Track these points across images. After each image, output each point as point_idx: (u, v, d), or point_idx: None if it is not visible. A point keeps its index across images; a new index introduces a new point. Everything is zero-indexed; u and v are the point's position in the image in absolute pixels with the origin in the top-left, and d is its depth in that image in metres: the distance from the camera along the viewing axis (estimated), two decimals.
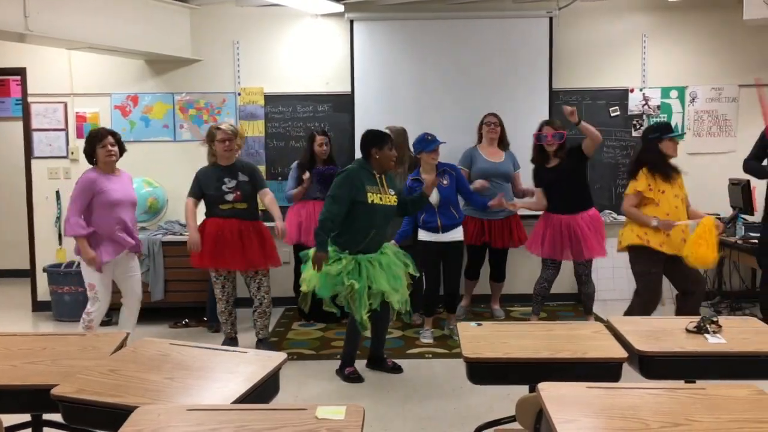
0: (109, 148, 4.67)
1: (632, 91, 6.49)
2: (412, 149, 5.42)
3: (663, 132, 4.70)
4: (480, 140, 5.89)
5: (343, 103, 6.42)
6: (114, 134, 4.77)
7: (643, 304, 4.74)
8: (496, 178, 5.71)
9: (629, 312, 4.76)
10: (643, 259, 4.69)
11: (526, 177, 5.75)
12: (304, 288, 4.46)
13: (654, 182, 4.63)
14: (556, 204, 5.32)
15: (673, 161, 4.74)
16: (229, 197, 4.93)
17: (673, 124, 6.47)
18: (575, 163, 5.25)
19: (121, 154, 4.80)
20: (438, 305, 5.63)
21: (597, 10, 6.45)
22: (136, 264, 4.96)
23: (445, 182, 5.12)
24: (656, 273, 4.71)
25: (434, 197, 5.04)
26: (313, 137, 5.84)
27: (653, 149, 4.69)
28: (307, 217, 5.74)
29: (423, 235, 5.25)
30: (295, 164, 5.93)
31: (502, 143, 5.90)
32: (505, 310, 6.25)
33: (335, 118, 6.43)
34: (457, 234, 5.25)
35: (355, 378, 4.64)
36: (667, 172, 4.64)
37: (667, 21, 6.45)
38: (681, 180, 4.73)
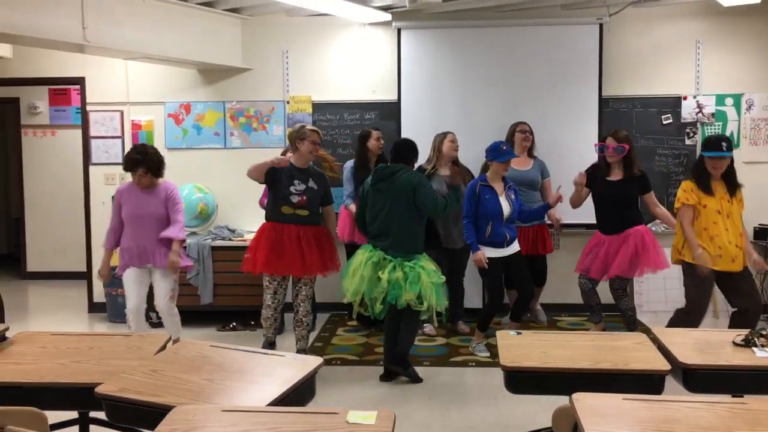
0: (138, 178, 4.80)
1: (685, 98, 6.34)
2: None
3: (704, 148, 4.63)
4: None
5: (390, 111, 6.46)
6: (143, 164, 4.76)
7: (684, 314, 4.69)
8: (522, 185, 5.62)
9: (671, 323, 4.71)
10: (689, 272, 4.68)
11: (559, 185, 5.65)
12: (424, 306, 4.58)
13: (695, 195, 4.60)
14: (606, 222, 5.22)
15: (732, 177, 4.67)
16: (294, 199, 4.78)
17: (728, 132, 6.31)
18: (635, 188, 5.17)
19: (157, 175, 4.86)
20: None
21: (649, 16, 6.32)
22: (167, 279, 4.90)
23: (513, 196, 5.10)
24: (699, 287, 4.64)
25: (507, 209, 5.03)
26: (368, 134, 5.79)
27: (698, 162, 4.72)
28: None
29: (487, 252, 5.05)
30: (350, 165, 5.86)
31: (531, 152, 5.85)
32: (552, 320, 6.18)
33: (382, 125, 6.42)
34: (516, 246, 5.16)
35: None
36: (706, 186, 4.57)
37: (723, 27, 6.29)
38: (728, 196, 4.59)
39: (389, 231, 4.65)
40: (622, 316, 5.42)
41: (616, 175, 5.19)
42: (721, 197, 4.59)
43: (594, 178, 5.24)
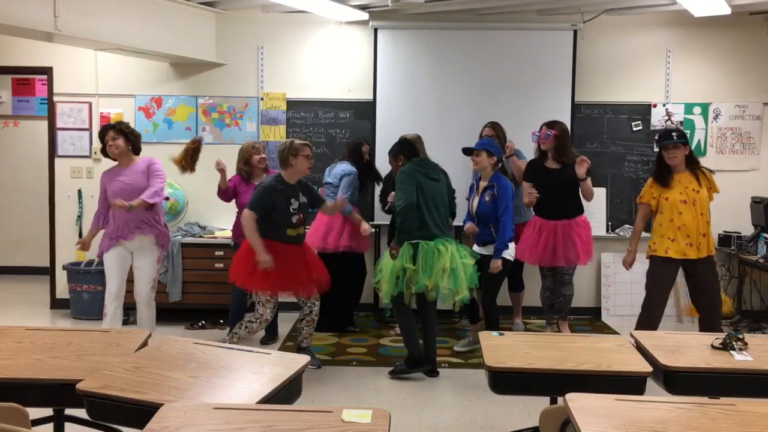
0: (110, 142, 4.76)
1: (655, 106, 6.46)
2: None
3: (657, 142, 4.86)
4: None
5: (365, 111, 6.43)
6: (114, 127, 4.80)
7: (644, 306, 4.86)
8: None
9: (637, 324, 4.88)
10: (651, 263, 4.89)
11: None
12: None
13: (656, 191, 4.80)
14: (545, 207, 5.29)
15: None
16: (294, 219, 4.66)
17: (695, 140, 6.45)
18: (572, 177, 5.20)
19: (133, 145, 4.84)
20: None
21: (622, 24, 6.43)
22: (148, 260, 4.87)
23: (486, 198, 5.01)
24: (654, 278, 4.84)
25: (474, 209, 5.09)
26: (361, 144, 5.78)
27: (657, 158, 4.91)
28: (329, 223, 5.66)
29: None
30: (353, 171, 5.64)
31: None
32: (523, 323, 6.20)
33: (356, 125, 6.44)
34: (489, 250, 5.04)
35: None
36: (664, 179, 4.73)
37: (693, 37, 6.43)
38: (695, 185, 4.71)
39: (446, 220, 4.87)
40: (557, 305, 5.51)
41: (553, 164, 5.30)
42: (686, 186, 4.71)
43: (534, 169, 5.37)
